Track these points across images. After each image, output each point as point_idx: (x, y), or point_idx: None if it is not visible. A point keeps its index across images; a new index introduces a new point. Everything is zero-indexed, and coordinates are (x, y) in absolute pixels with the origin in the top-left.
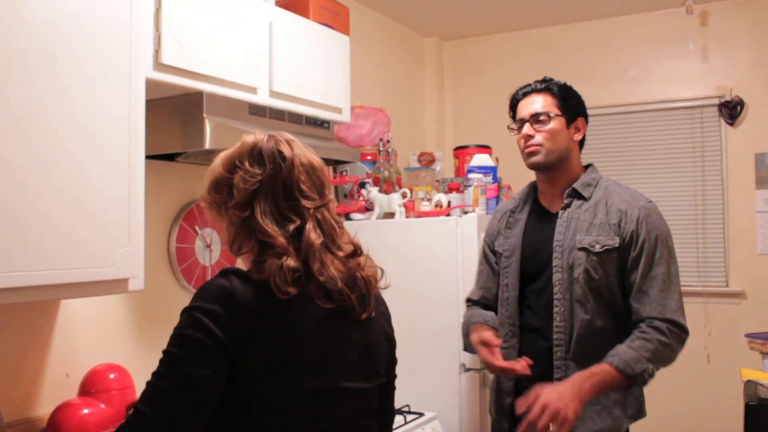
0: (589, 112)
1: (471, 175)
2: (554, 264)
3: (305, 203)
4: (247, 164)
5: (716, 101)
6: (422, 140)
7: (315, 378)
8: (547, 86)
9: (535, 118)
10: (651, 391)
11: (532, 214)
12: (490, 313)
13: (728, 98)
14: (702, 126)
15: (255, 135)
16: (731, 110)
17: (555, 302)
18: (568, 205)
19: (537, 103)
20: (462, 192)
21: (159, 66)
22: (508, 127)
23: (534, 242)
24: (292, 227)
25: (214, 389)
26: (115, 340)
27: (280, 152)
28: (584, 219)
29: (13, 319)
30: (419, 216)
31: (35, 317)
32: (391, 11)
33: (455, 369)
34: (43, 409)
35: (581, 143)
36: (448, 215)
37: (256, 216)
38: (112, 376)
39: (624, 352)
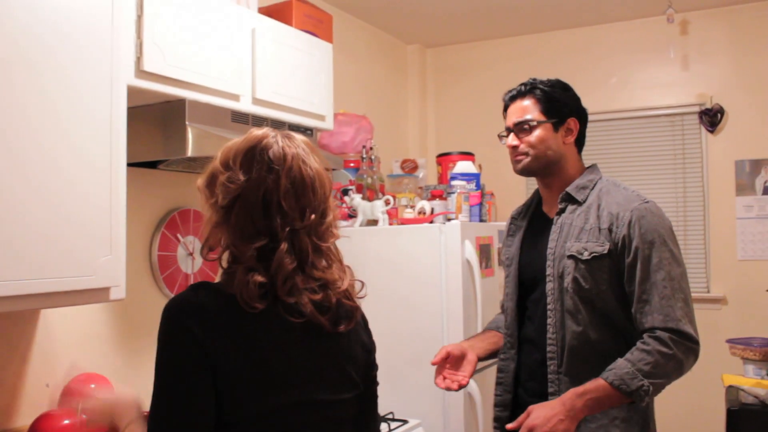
0: None
1: (454, 182)
2: (547, 273)
3: (281, 223)
4: (237, 165)
5: (697, 109)
6: (405, 147)
7: (290, 391)
8: (531, 89)
9: (519, 127)
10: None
11: (533, 221)
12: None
13: (709, 106)
14: (683, 133)
15: (265, 132)
16: (712, 118)
17: (548, 312)
18: (562, 210)
19: (521, 110)
20: (445, 199)
21: (141, 73)
22: (499, 135)
23: (531, 250)
24: (260, 244)
25: (211, 401)
26: (96, 349)
27: (270, 161)
28: (576, 224)
29: None
30: (402, 223)
31: (14, 327)
32: (374, 19)
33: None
34: (23, 420)
35: (580, 143)
36: (431, 222)
37: (231, 222)
38: (93, 386)
39: (620, 366)
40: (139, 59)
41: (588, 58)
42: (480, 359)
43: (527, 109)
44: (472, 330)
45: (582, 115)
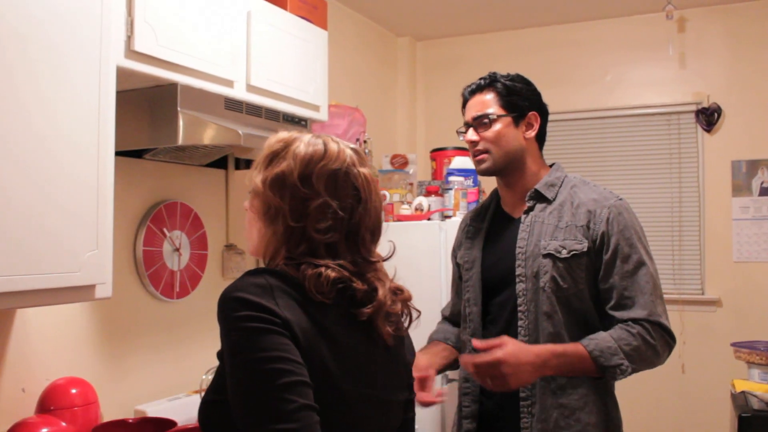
0: (564, 116)
1: (451, 178)
2: (517, 273)
3: (359, 248)
4: (322, 188)
5: (693, 108)
6: (393, 142)
7: (358, 383)
8: (491, 83)
9: (478, 121)
10: (622, 402)
11: (494, 222)
12: (455, 330)
13: (705, 105)
14: (679, 132)
15: (337, 144)
16: (708, 117)
17: (519, 314)
18: (531, 209)
19: (480, 104)
20: (441, 195)
21: (131, 53)
22: (457, 131)
23: (495, 251)
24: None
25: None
26: (76, 351)
27: (356, 189)
28: (549, 222)
29: None
30: (399, 220)
31: None
32: (364, 8)
33: (437, 379)
34: None
35: (540, 139)
36: (428, 219)
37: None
38: (74, 391)
39: (603, 339)
40: (129, 38)
41: (583, 54)
42: (438, 373)
43: (487, 103)
44: None
45: (543, 111)
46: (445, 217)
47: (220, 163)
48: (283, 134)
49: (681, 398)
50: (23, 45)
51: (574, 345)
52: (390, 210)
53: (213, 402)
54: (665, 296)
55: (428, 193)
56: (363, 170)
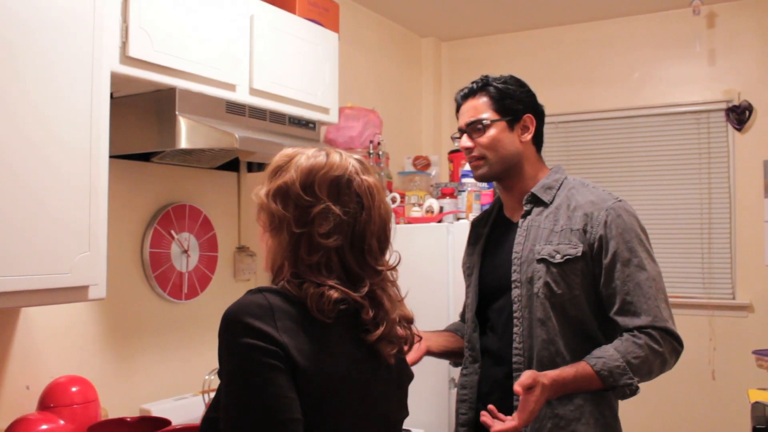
0: (590, 116)
1: (465, 180)
2: (513, 278)
3: (368, 261)
4: (324, 195)
5: (723, 106)
6: (418, 144)
7: (362, 404)
8: (483, 87)
9: (472, 127)
10: (652, 408)
11: (495, 227)
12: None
13: (736, 103)
14: (708, 131)
15: (340, 155)
16: (739, 115)
17: (514, 321)
18: (528, 213)
19: (474, 109)
20: (456, 197)
21: (126, 59)
22: (452, 137)
23: (494, 257)
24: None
25: (298, 405)
26: (81, 350)
27: (359, 196)
28: (544, 226)
29: None
30: (409, 222)
31: None
32: (386, 10)
33: (444, 384)
34: (0, 424)
35: (538, 141)
36: (439, 221)
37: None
38: (74, 389)
39: (610, 357)
40: (124, 44)
41: (609, 53)
42: (431, 353)
43: (480, 108)
44: None
45: (538, 112)
46: (456, 218)
47: (233, 166)
48: (288, 150)
49: (711, 405)
50: (11, 50)
51: (583, 367)
52: (401, 212)
53: (215, 419)
54: (695, 301)
55: (443, 195)
56: (367, 178)
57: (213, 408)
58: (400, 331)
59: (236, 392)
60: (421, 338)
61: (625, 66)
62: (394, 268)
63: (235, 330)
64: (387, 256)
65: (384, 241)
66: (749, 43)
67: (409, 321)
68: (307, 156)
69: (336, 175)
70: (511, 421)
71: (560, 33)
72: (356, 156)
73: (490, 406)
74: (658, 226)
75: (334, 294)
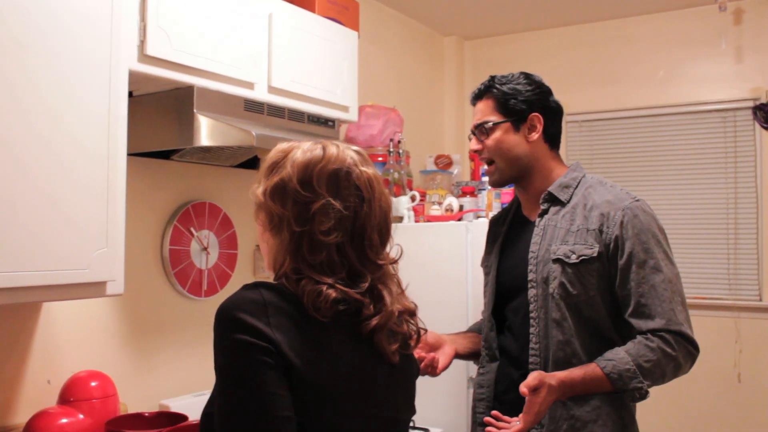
0: (614, 115)
1: (486, 178)
2: (529, 278)
3: (368, 256)
4: (323, 189)
5: (751, 104)
6: (440, 142)
7: (364, 403)
8: (488, 89)
9: (479, 130)
10: (676, 411)
11: (513, 225)
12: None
13: (764, 101)
14: (735, 130)
15: (337, 147)
16: (767, 113)
17: (531, 321)
18: (545, 212)
19: (480, 111)
20: (476, 196)
21: (144, 58)
22: (468, 136)
23: (511, 256)
24: (341, 276)
25: (290, 405)
26: (102, 346)
27: (358, 188)
28: (561, 226)
29: None
30: (429, 220)
31: (15, 320)
32: (408, 8)
33: (463, 382)
34: (22, 417)
35: (551, 139)
36: (459, 220)
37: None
38: (94, 384)
39: (621, 360)
40: (142, 43)
41: (633, 50)
42: (458, 356)
43: (486, 110)
44: None
45: (549, 110)
46: (476, 217)
47: (252, 164)
48: (283, 145)
49: (737, 409)
50: (24, 52)
51: (593, 369)
52: (421, 210)
53: (212, 414)
54: (720, 302)
55: (463, 194)
56: (366, 170)
57: (210, 403)
58: (402, 327)
59: (227, 388)
60: (426, 330)
61: (649, 64)
62: (395, 262)
63: (226, 325)
64: (387, 249)
65: (385, 234)
66: None
67: (411, 314)
68: (303, 150)
69: (334, 168)
70: (517, 423)
71: (584, 31)
72: (354, 147)
73: (494, 412)
74: (682, 226)
75: (333, 293)
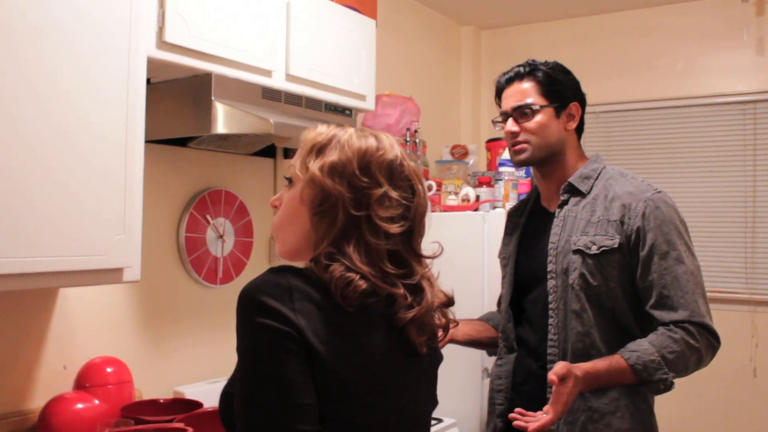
0: (633, 106)
1: (502, 169)
2: (549, 269)
3: (413, 248)
4: (384, 178)
5: None
6: (456, 133)
7: (390, 395)
8: (531, 71)
9: (519, 112)
10: (691, 405)
11: (532, 216)
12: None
13: None
14: (755, 122)
15: (387, 138)
16: None
17: (550, 312)
18: (565, 202)
19: (520, 93)
20: (492, 186)
21: (163, 44)
22: (493, 120)
23: (531, 247)
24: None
25: (313, 393)
26: (117, 332)
27: (409, 180)
28: (581, 217)
29: (9, 308)
30: (445, 210)
31: (32, 306)
32: None
33: (477, 374)
34: (38, 402)
35: (579, 130)
36: (476, 210)
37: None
38: (109, 369)
39: (645, 350)
40: (161, 29)
41: (653, 41)
42: (453, 341)
43: (527, 92)
44: None
45: (583, 101)
46: (493, 207)
47: (269, 152)
48: (323, 128)
49: (752, 403)
50: (41, 39)
51: (618, 361)
52: (437, 200)
53: (232, 395)
54: (737, 296)
55: (480, 184)
56: (411, 163)
57: (230, 383)
58: (435, 321)
59: (248, 372)
60: (457, 323)
61: (668, 55)
62: (435, 257)
63: (249, 308)
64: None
65: (424, 227)
66: None
67: (448, 304)
68: (357, 136)
69: (390, 158)
70: (547, 415)
71: (602, 21)
72: (396, 138)
73: (518, 409)
74: (700, 219)
75: (363, 285)
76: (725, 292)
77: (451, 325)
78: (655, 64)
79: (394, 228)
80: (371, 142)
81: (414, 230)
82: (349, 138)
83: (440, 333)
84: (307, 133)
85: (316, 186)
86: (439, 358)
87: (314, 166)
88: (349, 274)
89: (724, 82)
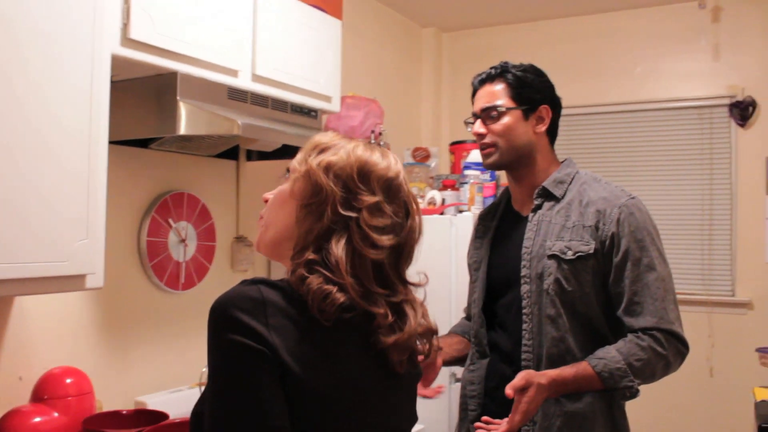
0: (592, 110)
1: (467, 172)
2: (522, 274)
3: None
4: (380, 192)
5: (727, 101)
6: (417, 135)
7: (369, 414)
8: (502, 73)
9: (486, 113)
10: (649, 405)
11: (504, 220)
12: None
13: (740, 98)
14: (711, 127)
15: (392, 156)
16: (742, 111)
17: (524, 317)
18: (538, 207)
19: (490, 94)
20: (457, 189)
21: (127, 42)
22: (465, 121)
23: (503, 251)
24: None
25: (285, 413)
26: (76, 341)
27: (406, 203)
28: (556, 222)
29: None
30: None
31: None
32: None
33: (445, 379)
34: None
35: (552, 134)
36: (441, 213)
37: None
38: (69, 380)
39: (612, 358)
40: (125, 26)
41: (612, 46)
42: (444, 364)
43: (497, 94)
44: None
45: (555, 104)
46: (458, 211)
47: (232, 154)
48: (332, 133)
49: (708, 402)
50: (12, 30)
51: (584, 368)
52: None
53: (203, 413)
54: (694, 297)
55: (444, 187)
56: (409, 188)
57: (201, 402)
58: (419, 347)
59: (219, 391)
60: (441, 349)
61: (628, 60)
62: (421, 285)
63: (221, 323)
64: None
65: (412, 255)
66: (754, 38)
67: (432, 334)
68: (362, 146)
69: (391, 176)
70: (504, 424)
71: (563, 25)
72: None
73: (484, 418)
74: (658, 222)
75: (341, 298)
76: (683, 294)
77: (432, 354)
78: (614, 68)
79: (383, 239)
80: (376, 155)
81: (403, 252)
82: (356, 146)
83: (423, 358)
84: (315, 135)
85: (310, 180)
86: (418, 375)
87: (313, 161)
88: (327, 287)
89: (682, 87)
